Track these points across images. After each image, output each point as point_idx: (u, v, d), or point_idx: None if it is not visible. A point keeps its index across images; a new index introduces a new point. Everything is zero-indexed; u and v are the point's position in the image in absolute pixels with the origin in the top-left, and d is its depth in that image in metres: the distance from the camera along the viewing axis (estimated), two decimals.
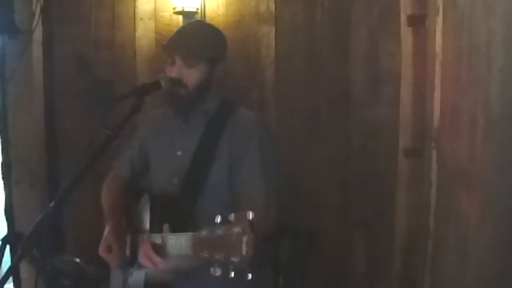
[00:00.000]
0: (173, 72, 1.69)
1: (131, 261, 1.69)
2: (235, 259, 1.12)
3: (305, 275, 2.63)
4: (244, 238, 1.11)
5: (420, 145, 2.43)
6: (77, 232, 3.00)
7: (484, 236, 1.68)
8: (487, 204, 1.68)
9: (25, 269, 2.25)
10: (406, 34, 2.52)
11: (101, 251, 1.70)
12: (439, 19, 2.08)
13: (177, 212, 1.50)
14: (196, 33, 1.78)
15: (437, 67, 2.10)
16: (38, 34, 2.95)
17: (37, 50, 2.99)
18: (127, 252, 1.70)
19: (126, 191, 1.90)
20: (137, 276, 1.63)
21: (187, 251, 1.34)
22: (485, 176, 1.69)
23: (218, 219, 1.18)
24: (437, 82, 2.11)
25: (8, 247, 2.50)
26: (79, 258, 2.47)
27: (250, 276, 1.12)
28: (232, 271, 1.13)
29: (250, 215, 1.13)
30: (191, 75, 1.69)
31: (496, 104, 1.61)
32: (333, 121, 2.89)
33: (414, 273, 2.41)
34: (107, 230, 1.73)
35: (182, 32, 1.81)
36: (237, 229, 1.13)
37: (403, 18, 2.54)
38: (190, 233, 1.30)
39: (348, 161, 2.87)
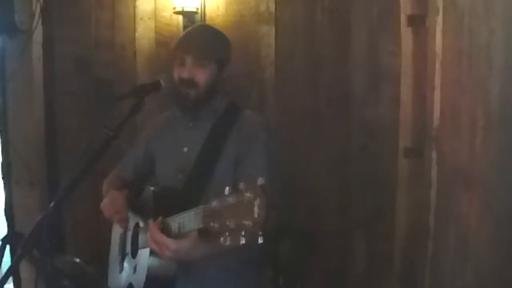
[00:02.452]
0: (184, 72, 1.74)
1: (133, 253, 1.70)
2: (247, 223, 1.12)
3: (305, 275, 2.63)
4: (256, 202, 1.12)
5: (420, 145, 2.42)
6: (77, 232, 3.00)
7: (484, 236, 1.68)
8: (487, 204, 1.68)
9: (25, 269, 2.24)
10: (406, 34, 2.52)
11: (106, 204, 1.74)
12: (439, 19, 2.08)
13: (180, 208, 1.50)
14: (206, 35, 1.86)
15: (437, 67, 2.10)
16: (38, 34, 2.94)
17: (37, 50, 2.98)
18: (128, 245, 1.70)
19: (126, 188, 1.91)
20: (139, 271, 1.64)
21: (197, 224, 1.36)
22: (485, 176, 1.69)
23: (227, 190, 1.18)
24: (437, 82, 2.10)
25: (8, 247, 2.49)
26: (79, 258, 2.47)
27: (261, 240, 1.11)
28: (243, 237, 1.13)
29: (260, 181, 1.13)
30: (202, 75, 1.74)
31: (496, 104, 1.61)
32: (333, 121, 2.89)
33: (414, 273, 2.41)
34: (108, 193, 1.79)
35: (192, 34, 1.87)
36: (248, 195, 1.13)
37: (403, 18, 2.54)
38: (200, 206, 1.32)
39: (348, 161, 2.87)
